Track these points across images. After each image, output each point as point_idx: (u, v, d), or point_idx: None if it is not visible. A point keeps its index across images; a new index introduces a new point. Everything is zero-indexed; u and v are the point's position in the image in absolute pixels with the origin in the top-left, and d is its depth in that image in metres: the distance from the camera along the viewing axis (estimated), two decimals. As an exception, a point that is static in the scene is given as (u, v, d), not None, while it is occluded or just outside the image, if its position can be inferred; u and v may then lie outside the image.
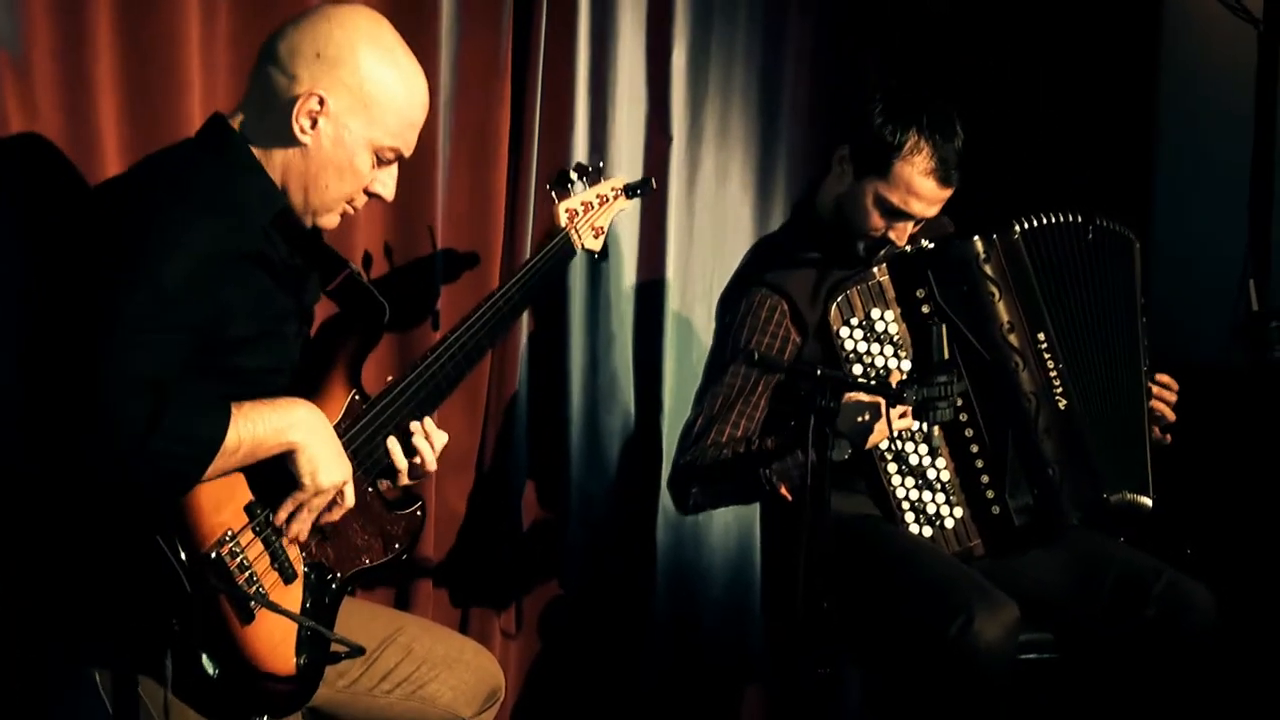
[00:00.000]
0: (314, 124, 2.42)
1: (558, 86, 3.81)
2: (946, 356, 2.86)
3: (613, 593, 4.08)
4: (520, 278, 2.85)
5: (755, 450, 3.18)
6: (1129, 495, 3.32)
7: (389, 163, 2.54)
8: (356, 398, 2.57)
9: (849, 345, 3.23)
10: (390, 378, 2.65)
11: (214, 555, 2.27)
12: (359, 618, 2.72)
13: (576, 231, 3.01)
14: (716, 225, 4.19)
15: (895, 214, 3.21)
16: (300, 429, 2.35)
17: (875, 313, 3.23)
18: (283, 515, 2.40)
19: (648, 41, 4.00)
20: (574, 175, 3.06)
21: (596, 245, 3.10)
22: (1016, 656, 3.08)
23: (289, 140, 2.43)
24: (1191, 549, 3.68)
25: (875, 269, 3.25)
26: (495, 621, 3.85)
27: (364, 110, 2.44)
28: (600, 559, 4.05)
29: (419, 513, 2.71)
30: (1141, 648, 3.18)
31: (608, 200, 3.12)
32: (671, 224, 4.06)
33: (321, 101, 2.41)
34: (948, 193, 3.20)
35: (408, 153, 2.55)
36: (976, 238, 3.25)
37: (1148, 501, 3.32)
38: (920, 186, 3.16)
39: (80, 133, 2.82)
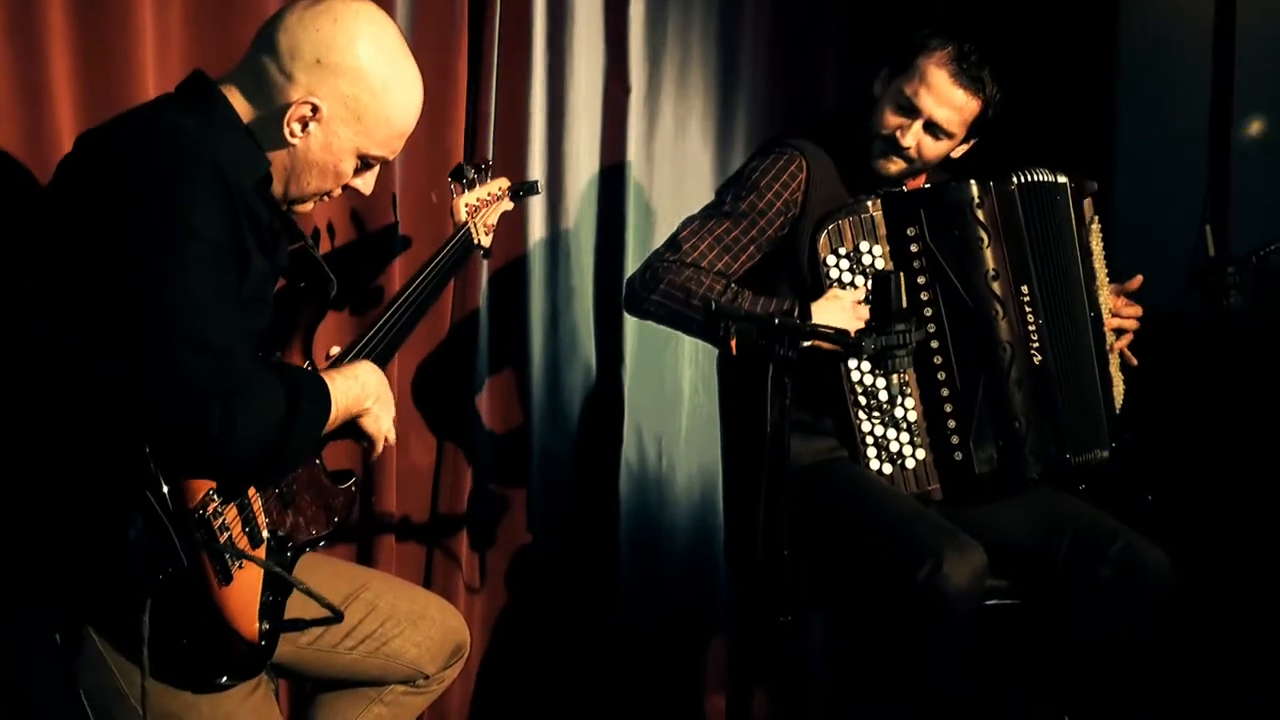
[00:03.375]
0: (304, 127, 2.41)
1: (514, 38, 3.79)
2: (905, 305, 2.87)
3: (576, 546, 4.09)
4: (428, 274, 2.90)
5: (727, 293, 3.20)
6: (1091, 454, 3.35)
7: (372, 167, 2.54)
8: (308, 367, 2.59)
9: (834, 275, 3.24)
10: (334, 349, 2.72)
11: (199, 513, 2.28)
12: (322, 573, 2.72)
13: (474, 226, 3.08)
14: (676, 175, 4.18)
15: (906, 109, 3.25)
16: (371, 395, 2.53)
17: (864, 246, 3.25)
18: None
19: (605, -9, 3.99)
20: (470, 172, 3.11)
21: (486, 242, 3.15)
22: (983, 601, 3.10)
23: (277, 136, 2.41)
24: (1151, 495, 3.70)
25: (869, 202, 3.26)
26: (458, 576, 3.86)
27: (356, 121, 2.42)
28: (563, 512, 4.06)
29: (353, 488, 2.76)
30: (1096, 607, 3.21)
31: (498, 199, 3.19)
32: (631, 175, 4.05)
33: (315, 109, 2.38)
34: (960, 95, 3.23)
35: (392, 158, 2.56)
36: (973, 182, 3.26)
37: (1105, 454, 3.36)
38: (932, 76, 3.21)
39: (33, 86, 2.79)
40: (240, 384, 2.15)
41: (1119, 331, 3.45)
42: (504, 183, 3.23)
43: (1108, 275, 3.43)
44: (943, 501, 3.30)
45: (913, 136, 3.26)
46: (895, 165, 3.31)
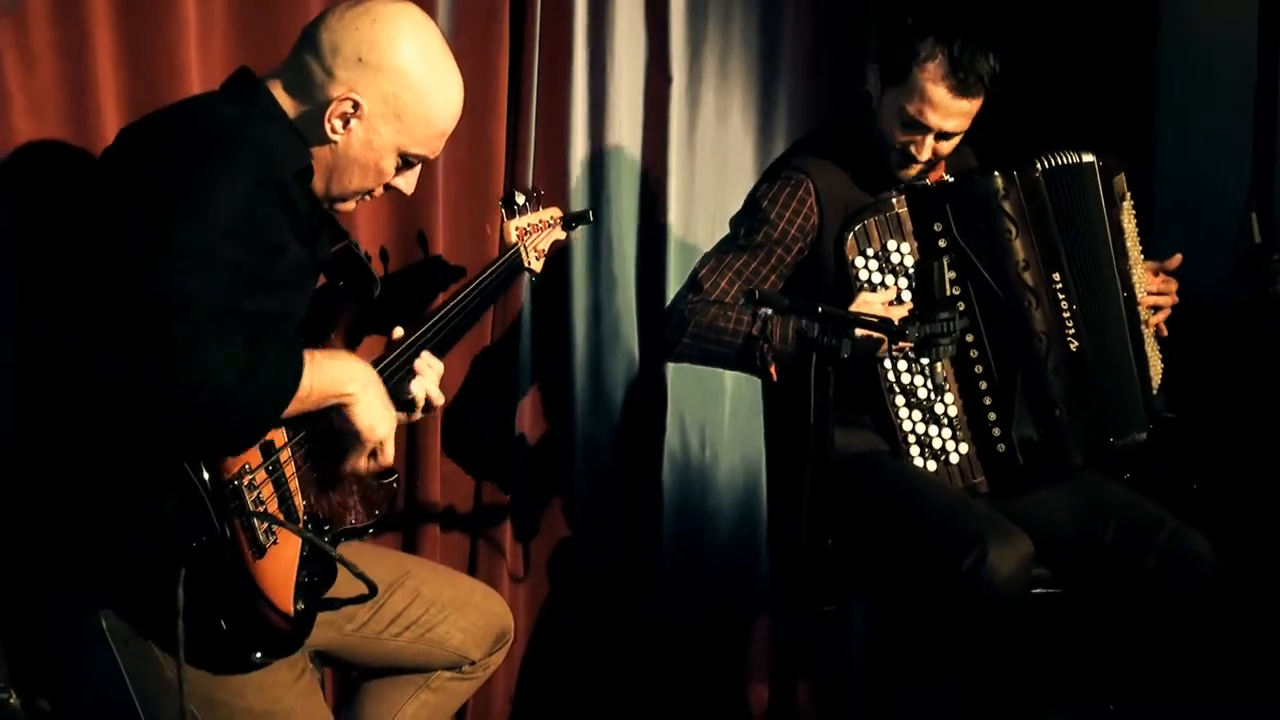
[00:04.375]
0: (345, 124, 2.44)
1: (556, 28, 3.80)
2: (949, 293, 2.86)
3: (619, 535, 4.10)
4: (472, 290, 2.91)
5: (756, 321, 3.19)
6: (1133, 436, 3.34)
7: (413, 166, 2.57)
8: None
9: (864, 275, 3.23)
10: (400, 331, 2.72)
11: (234, 485, 2.30)
12: (366, 561, 2.72)
13: (524, 250, 3.09)
14: (718, 165, 4.18)
15: (913, 125, 3.21)
16: (357, 381, 2.42)
17: (891, 244, 3.24)
18: (350, 466, 2.49)
19: (646, -19, 3.99)
20: (520, 198, 3.13)
21: (537, 268, 3.17)
22: (1029, 590, 3.10)
23: (317, 134, 2.45)
24: (1195, 484, 3.68)
25: (894, 199, 3.25)
26: (503, 564, 3.87)
27: (396, 119, 2.46)
28: (606, 502, 4.07)
29: (395, 484, 2.76)
30: (1141, 595, 3.20)
31: (550, 226, 3.20)
32: (673, 165, 4.05)
33: (356, 105, 2.42)
34: (965, 104, 3.18)
35: (433, 157, 2.58)
36: (997, 174, 3.23)
37: (1143, 435, 3.35)
38: (933, 94, 3.16)
39: (77, 78, 2.81)
40: (195, 339, 2.12)
41: (1156, 308, 3.43)
42: (556, 212, 3.24)
43: (1142, 252, 3.41)
44: (989, 494, 3.29)
45: (927, 149, 3.24)
46: (914, 170, 3.29)
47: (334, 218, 2.65)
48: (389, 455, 2.52)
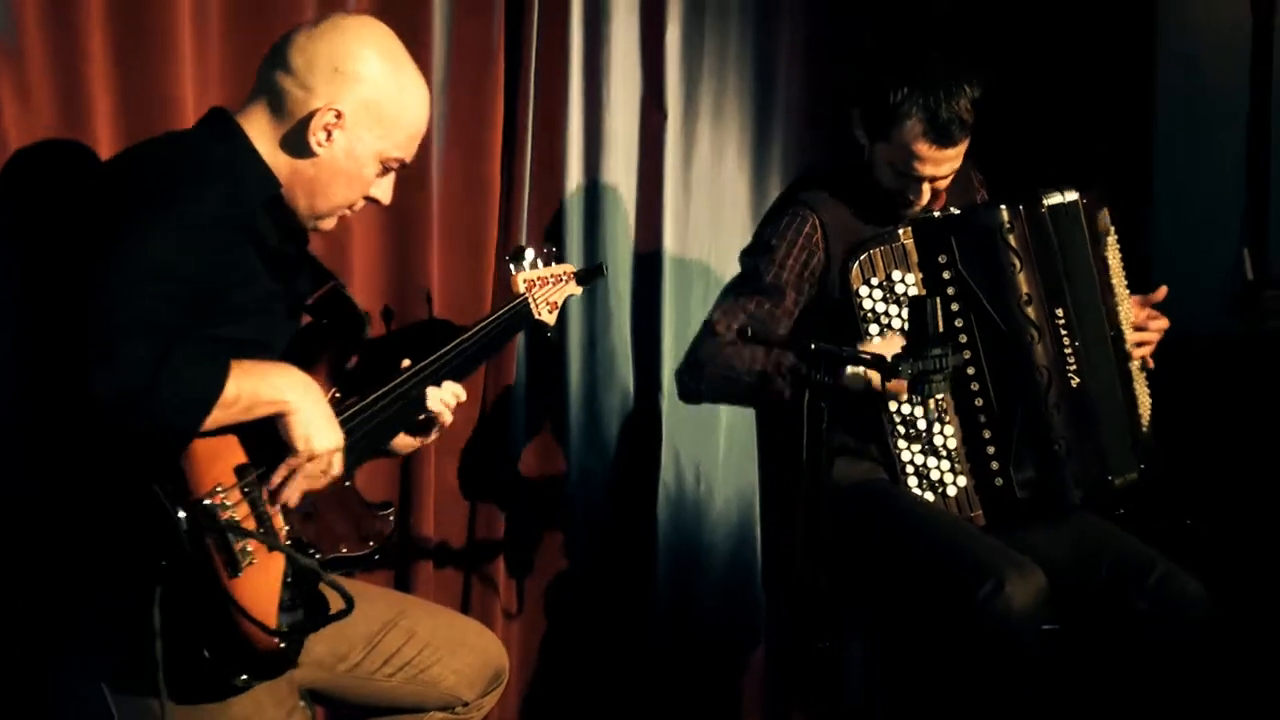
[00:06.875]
0: (329, 136, 2.50)
1: (551, 65, 3.81)
2: (941, 329, 2.86)
3: (614, 570, 4.09)
4: (476, 334, 2.90)
5: (768, 358, 3.18)
6: (1132, 476, 3.33)
7: (391, 171, 2.63)
8: (337, 394, 2.62)
9: (868, 305, 3.23)
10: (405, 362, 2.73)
11: (205, 503, 2.30)
12: (360, 600, 2.72)
13: (534, 301, 3.08)
14: (713, 202, 4.19)
15: (905, 176, 3.22)
16: (295, 390, 2.40)
17: (896, 274, 3.23)
18: (277, 479, 2.44)
19: (641, 19, 3.99)
20: (529, 253, 3.11)
21: (550, 320, 3.16)
22: (1042, 625, 3.08)
23: (302, 149, 2.51)
24: (1189, 520, 3.67)
25: (900, 230, 3.25)
26: (496, 602, 3.86)
27: (377, 124, 2.53)
28: (601, 537, 4.06)
29: (391, 517, 2.76)
30: (1132, 637, 3.19)
31: (562, 280, 3.18)
32: (668, 201, 4.06)
33: (339, 115, 2.49)
34: (952, 151, 3.19)
35: (409, 161, 2.64)
36: (1003, 207, 3.23)
37: (1134, 475, 3.34)
38: (920, 150, 3.17)
39: (73, 114, 2.85)
40: (113, 344, 2.18)
41: (1142, 344, 3.42)
42: (569, 267, 3.23)
43: (1128, 288, 3.40)
44: (985, 528, 3.29)
45: (925, 195, 3.26)
46: (917, 208, 3.30)
47: (317, 260, 2.69)
48: (336, 468, 2.49)
